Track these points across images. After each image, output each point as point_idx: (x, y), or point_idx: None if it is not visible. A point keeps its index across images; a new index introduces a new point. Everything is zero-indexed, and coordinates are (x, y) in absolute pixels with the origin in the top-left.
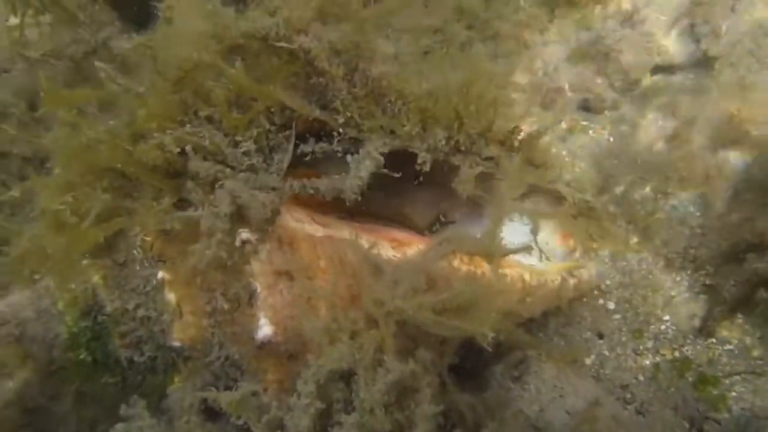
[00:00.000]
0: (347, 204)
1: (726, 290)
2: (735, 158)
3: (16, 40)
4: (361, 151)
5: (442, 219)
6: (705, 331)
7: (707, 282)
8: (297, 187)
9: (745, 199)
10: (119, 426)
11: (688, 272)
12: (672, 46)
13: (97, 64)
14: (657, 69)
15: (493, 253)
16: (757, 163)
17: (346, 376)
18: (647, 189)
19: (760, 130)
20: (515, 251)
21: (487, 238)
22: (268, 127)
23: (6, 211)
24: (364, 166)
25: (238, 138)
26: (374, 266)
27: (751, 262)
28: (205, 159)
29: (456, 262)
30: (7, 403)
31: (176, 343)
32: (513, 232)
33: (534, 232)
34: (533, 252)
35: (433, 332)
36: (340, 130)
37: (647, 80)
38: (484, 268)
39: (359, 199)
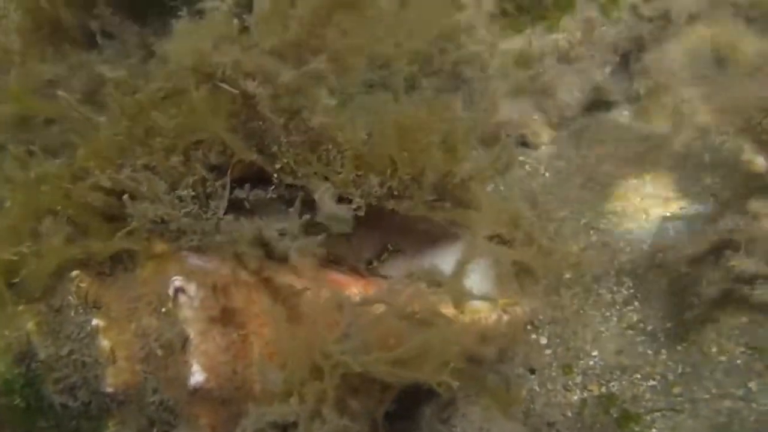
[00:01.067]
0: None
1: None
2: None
3: None
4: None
5: (390, 248)
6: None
7: (635, 317)
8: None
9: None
10: None
11: (617, 307)
12: (606, 82)
13: (60, 93)
14: (592, 105)
15: (460, 299)
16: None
17: (284, 427)
18: (581, 223)
19: None
20: (481, 297)
21: (452, 282)
22: (204, 174)
23: None
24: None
25: (175, 185)
26: (330, 309)
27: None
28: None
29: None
30: None
31: (110, 389)
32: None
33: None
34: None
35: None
36: (276, 175)
37: (581, 117)
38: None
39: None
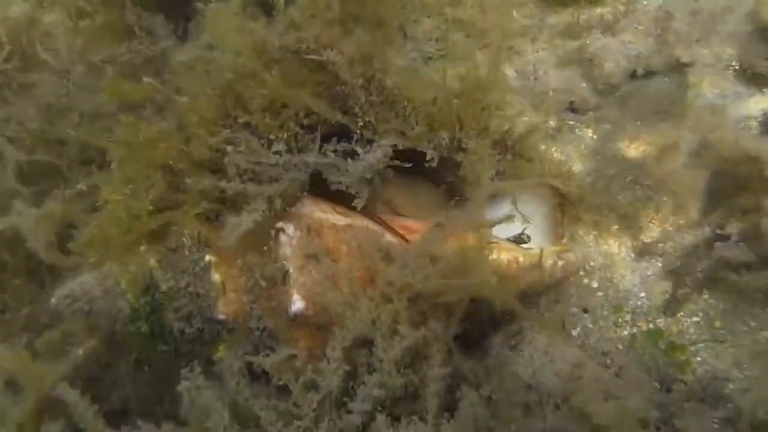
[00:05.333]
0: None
1: (690, 276)
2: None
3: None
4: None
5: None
6: (669, 311)
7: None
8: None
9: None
10: (184, 383)
11: (661, 257)
12: (648, 53)
13: (145, 79)
14: (635, 74)
15: (480, 226)
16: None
17: (368, 343)
18: (627, 180)
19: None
20: (499, 222)
21: (471, 214)
22: (296, 130)
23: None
24: (374, 154)
25: (272, 139)
26: (386, 253)
27: (717, 251)
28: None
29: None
30: (75, 368)
31: (221, 317)
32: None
33: (514, 203)
34: (525, 236)
35: (442, 302)
36: (359, 132)
37: (627, 84)
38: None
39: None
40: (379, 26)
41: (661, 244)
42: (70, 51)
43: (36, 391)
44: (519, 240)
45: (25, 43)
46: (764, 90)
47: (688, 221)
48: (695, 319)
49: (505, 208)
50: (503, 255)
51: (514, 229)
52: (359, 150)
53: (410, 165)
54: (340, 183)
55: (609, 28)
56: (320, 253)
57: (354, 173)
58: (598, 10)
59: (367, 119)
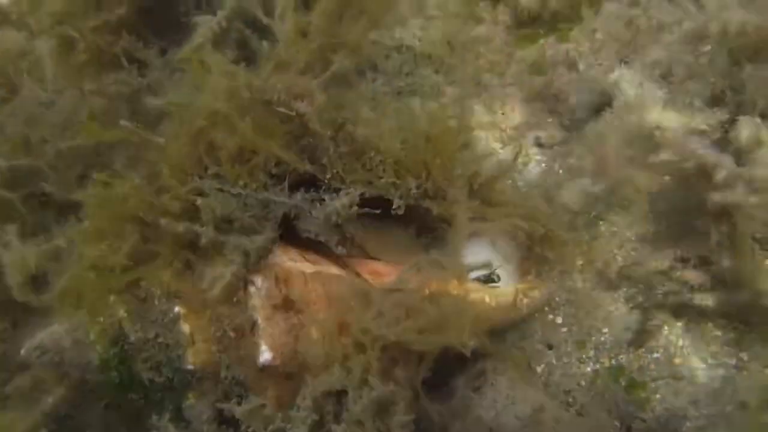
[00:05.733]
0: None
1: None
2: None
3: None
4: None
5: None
6: (636, 343)
7: (640, 297)
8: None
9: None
10: None
11: (624, 289)
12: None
13: (122, 122)
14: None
15: (459, 271)
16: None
17: (338, 394)
18: (591, 215)
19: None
20: (477, 267)
21: (451, 259)
22: (265, 181)
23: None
24: (340, 201)
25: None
26: (362, 297)
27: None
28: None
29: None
30: (44, 416)
31: (190, 366)
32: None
33: (492, 246)
34: (494, 275)
35: (415, 350)
36: (327, 182)
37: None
38: (450, 290)
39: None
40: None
41: (625, 280)
42: (56, 80)
43: None
44: (488, 279)
45: (14, 74)
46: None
47: (650, 249)
48: (656, 355)
49: (476, 249)
50: (472, 296)
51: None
52: (326, 197)
53: (378, 211)
54: (309, 231)
55: (574, 64)
56: (288, 302)
57: (320, 219)
58: (564, 46)
59: (335, 170)
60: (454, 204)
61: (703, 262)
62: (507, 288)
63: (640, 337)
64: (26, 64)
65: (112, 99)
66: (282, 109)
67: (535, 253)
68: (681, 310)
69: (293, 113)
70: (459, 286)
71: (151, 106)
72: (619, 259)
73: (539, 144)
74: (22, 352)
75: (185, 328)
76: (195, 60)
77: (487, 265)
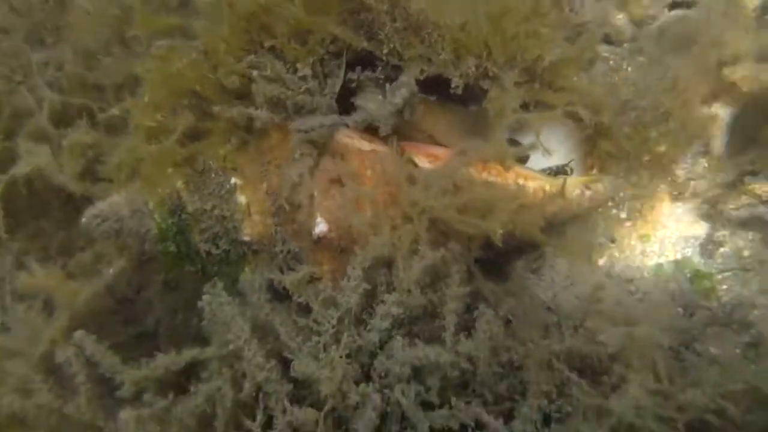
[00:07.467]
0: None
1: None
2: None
3: None
4: (399, 78)
5: None
6: (706, 254)
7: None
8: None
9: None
10: (205, 297)
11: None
12: None
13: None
14: (674, 5)
15: (501, 155)
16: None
17: (388, 263)
18: (660, 112)
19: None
20: (521, 152)
21: (492, 142)
22: (322, 55)
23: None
24: (399, 93)
25: (298, 65)
26: (409, 175)
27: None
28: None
29: (475, 171)
30: (106, 287)
31: (246, 238)
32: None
33: (537, 134)
34: (568, 167)
35: (458, 229)
36: (384, 58)
37: (664, 15)
38: (504, 177)
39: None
40: None
41: (692, 182)
42: None
43: (69, 309)
44: (561, 171)
45: None
46: None
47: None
48: (724, 249)
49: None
50: (530, 183)
51: (554, 160)
52: (383, 78)
53: (436, 96)
54: (367, 110)
55: None
56: (344, 177)
57: (381, 114)
58: None
59: (392, 45)
60: (505, 86)
61: None
62: (570, 179)
63: (716, 244)
64: None
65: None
66: None
67: (599, 146)
68: (751, 223)
69: None
70: (517, 173)
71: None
72: (687, 161)
73: (608, 41)
74: (83, 219)
75: (241, 199)
76: None
77: (531, 147)
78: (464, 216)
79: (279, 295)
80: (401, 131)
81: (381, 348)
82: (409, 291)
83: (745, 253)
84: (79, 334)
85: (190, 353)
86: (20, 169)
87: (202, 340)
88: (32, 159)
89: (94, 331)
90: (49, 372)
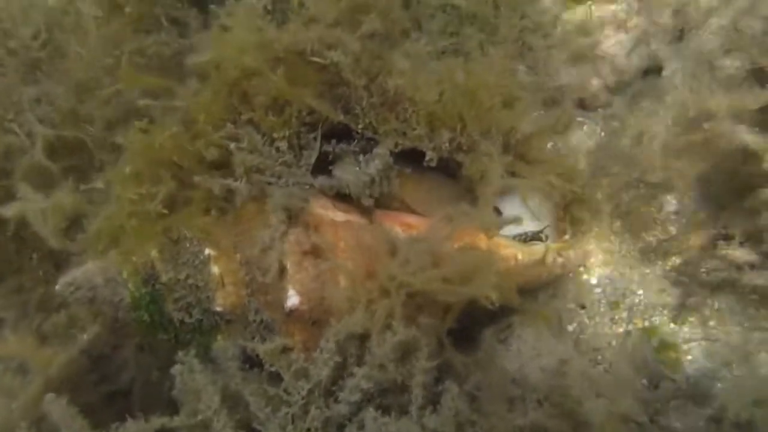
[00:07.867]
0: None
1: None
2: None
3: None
4: (374, 150)
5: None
6: (677, 318)
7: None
8: (320, 184)
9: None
10: (176, 367)
11: (660, 263)
12: (661, 50)
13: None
14: (648, 71)
15: (488, 225)
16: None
17: (361, 337)
18: (632, 177)
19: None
20: (507, 222)
21: (479, 212)
22: (298, 128)
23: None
24: (373, 164)
25: (274, 136)
26: (389, 246)
27: (720, 249)
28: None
29: (455, 240)
30: (80, 352)
31: (219, 309)
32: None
33: (523, 203)
34: (543, 234)
35: (440, 300)
36: (359, 132)
37: (638, 81)
38: (480, 244)
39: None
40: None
41: (664, 244)
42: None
43: (43, 375)
44: (536, 237)
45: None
46: None
47: (691, 221)
48: (690, 318)
49: (510, 205)
50: (503, 251)
51: (528, 227)
52: (358, 150)
53: (410, 170)
54: (342, 183)
55: (621, 25)
56: (317, 249)
57: (355, 184)
58: (612, 7)
59: (368, 120)
60: (487, 157)
61: (750, 239)
62: (541, 246)
63: (688, 309)
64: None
65: (151, 59)
66: (315, 59)
67: (571, 213)
68: (724, 288)
69: (327, 62)
70: (490, 241)
71: (191, 64)
72: (658, 227)
73: (583, 107)
74: (57, 287)
75: (215, 270)
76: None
77: (517, 219)
78: (449, 286)
79: (252, 361)
80: (378, 201)
81: (350, 420)
82: (380, 365)
83: (711, 323)
84: (49, 397)
85: (159, 421)
86: (8, 211)
87: (175, 402)
88: (23, 205)
89: (69, 390)
90: None
